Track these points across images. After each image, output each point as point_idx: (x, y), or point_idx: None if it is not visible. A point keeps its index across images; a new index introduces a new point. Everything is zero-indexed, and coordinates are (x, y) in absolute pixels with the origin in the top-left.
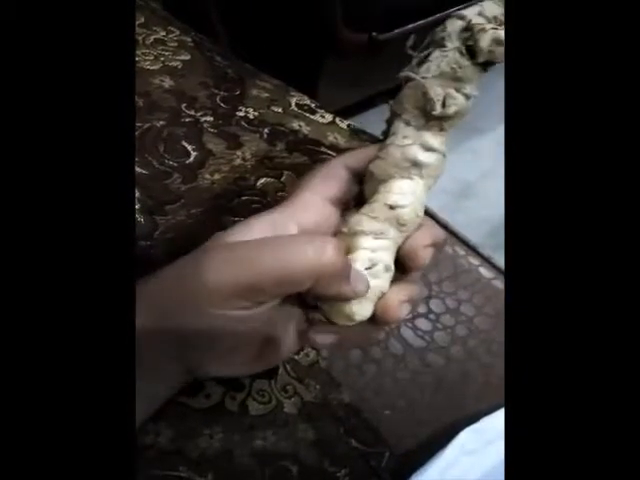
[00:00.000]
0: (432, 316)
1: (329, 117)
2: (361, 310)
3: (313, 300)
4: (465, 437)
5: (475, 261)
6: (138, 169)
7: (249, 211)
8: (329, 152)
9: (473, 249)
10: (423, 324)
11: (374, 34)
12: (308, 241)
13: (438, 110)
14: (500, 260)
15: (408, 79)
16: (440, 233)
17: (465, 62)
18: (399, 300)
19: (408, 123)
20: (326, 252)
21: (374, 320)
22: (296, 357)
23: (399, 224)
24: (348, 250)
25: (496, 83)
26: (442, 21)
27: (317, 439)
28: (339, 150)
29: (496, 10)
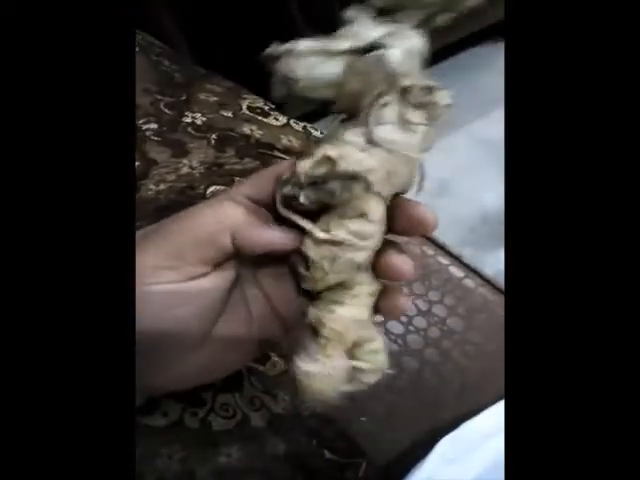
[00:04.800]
0: (404, 318)
1: (283, 119)
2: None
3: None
4: (445, 446)
5: (445, 260)
6: None
7: None
8: (283, 156)
9: (442, 248)
10: (395, 327)
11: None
12: (211, 203)
13: None
14: (470, 258)
15: None
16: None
17: None
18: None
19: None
20: (225, 207)
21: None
22: (261, 368)
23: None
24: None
25: (469, 78)
26: None
27: (288, 453)
28: (294, 153)
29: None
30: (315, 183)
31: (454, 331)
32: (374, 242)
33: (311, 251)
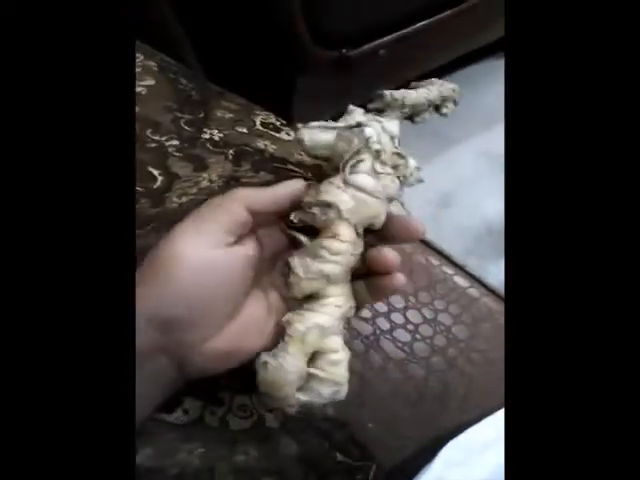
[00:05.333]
0: (410, 327)
1: (293, 134)
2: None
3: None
4: (450, 450)
5: (449, 270)
6: None
7: None
8: (295, 169)
9: (447, 258)
10: (402, 335)
11: (344, 51)
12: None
13: None
14: (474, 268)
15: None
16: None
17: None
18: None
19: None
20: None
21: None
22: None
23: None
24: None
25: (473, 91)
26: (409, 37)
27: (301, 453)
28: (305, 167)
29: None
30: (302, 208)
31: (459, 339)
32: (344, 259)
33: (294, 260)
